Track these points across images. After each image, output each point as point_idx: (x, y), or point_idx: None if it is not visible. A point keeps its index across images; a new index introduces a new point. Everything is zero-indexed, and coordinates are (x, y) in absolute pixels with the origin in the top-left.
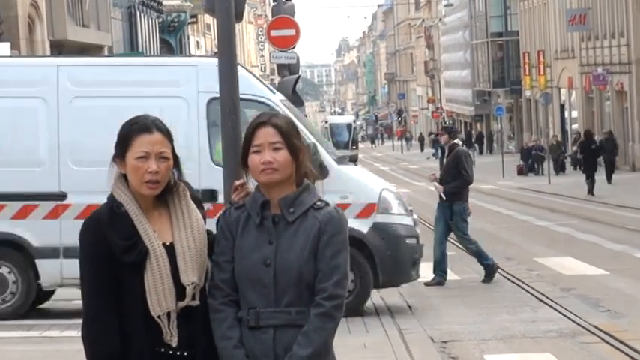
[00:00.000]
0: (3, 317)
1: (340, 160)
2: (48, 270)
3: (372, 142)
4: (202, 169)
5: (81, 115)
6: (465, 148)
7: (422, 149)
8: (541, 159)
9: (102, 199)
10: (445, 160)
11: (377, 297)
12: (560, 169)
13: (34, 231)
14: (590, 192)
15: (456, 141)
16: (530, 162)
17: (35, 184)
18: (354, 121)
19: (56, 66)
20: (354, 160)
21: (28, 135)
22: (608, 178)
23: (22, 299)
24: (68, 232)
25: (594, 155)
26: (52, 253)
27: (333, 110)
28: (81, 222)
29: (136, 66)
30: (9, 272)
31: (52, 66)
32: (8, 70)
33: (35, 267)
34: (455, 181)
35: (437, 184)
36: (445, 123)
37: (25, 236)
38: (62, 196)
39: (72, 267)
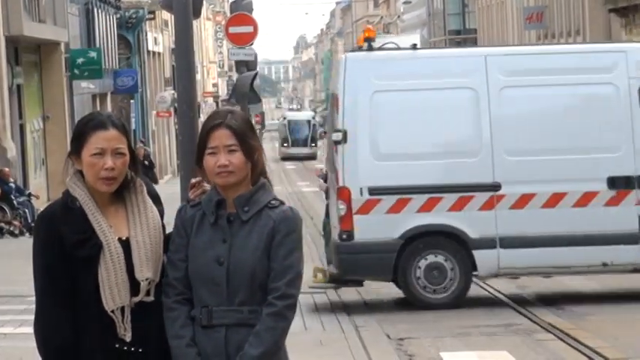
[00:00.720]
0: (442, 306)
1: None
2: (485, 261)
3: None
4: (637, 154)
5: (511, 105)
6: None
7: None
8: None
9: (536, 189)
10: None
11: (333, 294)
12: None
13: (470, 222)
14: None
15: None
16: None
17: (470, 175)
18: (314, 118)
19: (484, 56)
20: (312, 158)
21: (461, 126)
22: None
23: (460, 290)
24: (503, 222)
25: None
26: (488, 243)
27: (291, 106)
28: (516, 212)
29: (565, 54)
30: (445, 260)
31: (480, 56)
32: (437, 62)
33: (472, 258)
34: None
35: (322, 180)
36: None
37: (461, 227)
38: (496, 187)
39: (509, 257)
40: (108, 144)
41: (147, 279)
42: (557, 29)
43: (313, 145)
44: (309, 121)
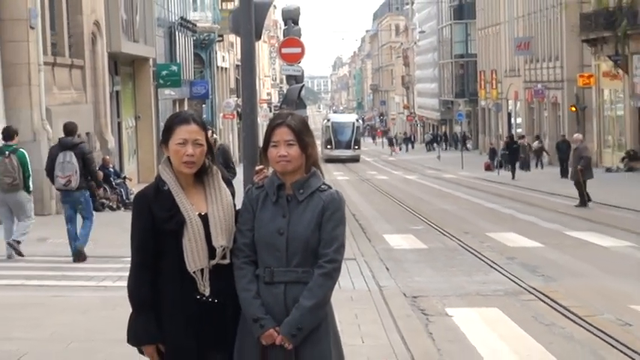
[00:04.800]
0: None
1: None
2: None
3: (374, 139)
4: None
5: None
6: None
7: (390, 145)
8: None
9: None
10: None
11: (362, 260)
12: (525, 166)
13: None
14: (513, 177)
15: (215, 136)
16: (499, 160)
17: None
18: (357, 120)
19: None
20: (355, 160)
21: None
22: (563, 174)
23: None
24: None
25: (515, 153)
26: None
27: (332, 110)
28: None
29: None
30: None
31: None
32: None
33: None
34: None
35: None
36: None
37: None
38: None
39: None
40: (189, 135)
41: (222, 246)
42: (540, 55)
43: (356, 147)
44: (352, 124)
